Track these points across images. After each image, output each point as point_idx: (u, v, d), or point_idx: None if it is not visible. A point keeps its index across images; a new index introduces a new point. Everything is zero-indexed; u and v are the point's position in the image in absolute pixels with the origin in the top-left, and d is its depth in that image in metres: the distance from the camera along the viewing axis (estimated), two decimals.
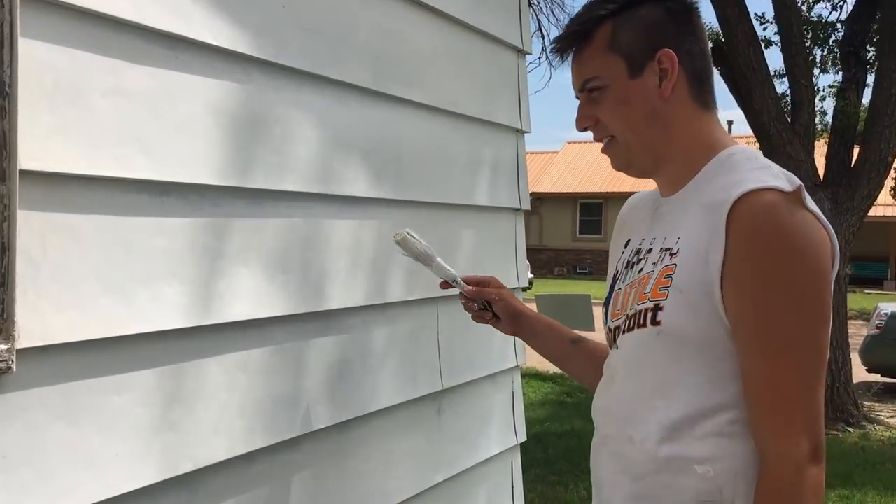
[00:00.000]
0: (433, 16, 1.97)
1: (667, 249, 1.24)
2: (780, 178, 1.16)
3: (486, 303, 1.56)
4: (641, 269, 1.29)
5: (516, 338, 1.92)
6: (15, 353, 1.06)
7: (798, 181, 1.17)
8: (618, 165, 1.34)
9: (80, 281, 1.16)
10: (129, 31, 1.24)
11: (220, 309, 1.39)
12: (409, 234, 1.53)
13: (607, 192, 26.02)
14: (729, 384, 1.18)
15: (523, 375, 6.95)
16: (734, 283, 1.14)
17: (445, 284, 1.58)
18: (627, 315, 1.28)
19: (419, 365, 1.94)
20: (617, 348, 1.32)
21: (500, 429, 2.30)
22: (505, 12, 2.29)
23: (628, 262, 1.35)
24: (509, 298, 1.57)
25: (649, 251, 1.29)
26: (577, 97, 1.34)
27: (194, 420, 1.35)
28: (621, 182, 25.55)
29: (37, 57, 1.11)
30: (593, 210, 27.46)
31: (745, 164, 1.22)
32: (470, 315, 1.60)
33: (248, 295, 1.45)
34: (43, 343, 1.10)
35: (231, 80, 1.42)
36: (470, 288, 1.55)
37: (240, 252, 1.44)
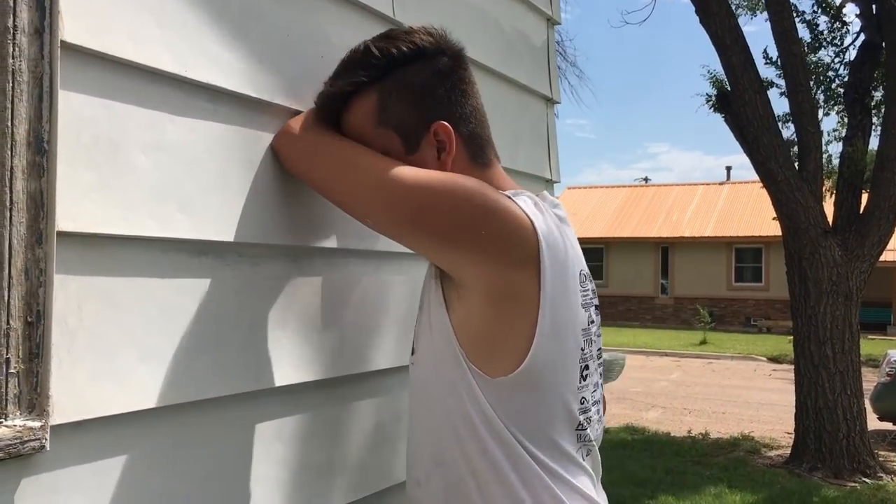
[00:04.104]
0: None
1: None
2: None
3: None
4: None
5: None
6: (49, 430, 0.97)
7: (524, 196, 1.18)
8: None
9: (117, 349, 1.08)
10: (169, 83, 1.17)
11: (259, 375, 1.31)
12: None
13: (608, 238, 25.97)
14: None
15: None
16: None
17: None
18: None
19: None
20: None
21: None
22: (534, 62, 2.25)
23: None
24: None
25: None
26: None
27: (234, 498, 1.26)
28: (622, 227, 25.54)
29: (76, 111, 1.04)
30: (595, 255, 27.37)
31: None
32: None
33: (288, 358, 1.37)
34: (78, 418, 1.02)
35: (270, 133, 1.35)
36: None
37: (278, 313, 1.36)
